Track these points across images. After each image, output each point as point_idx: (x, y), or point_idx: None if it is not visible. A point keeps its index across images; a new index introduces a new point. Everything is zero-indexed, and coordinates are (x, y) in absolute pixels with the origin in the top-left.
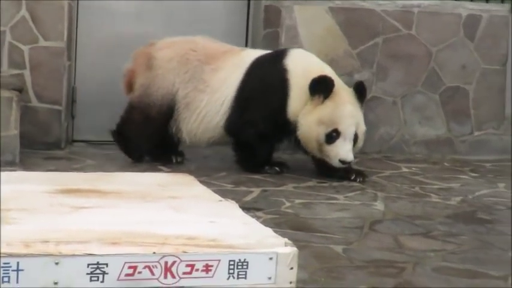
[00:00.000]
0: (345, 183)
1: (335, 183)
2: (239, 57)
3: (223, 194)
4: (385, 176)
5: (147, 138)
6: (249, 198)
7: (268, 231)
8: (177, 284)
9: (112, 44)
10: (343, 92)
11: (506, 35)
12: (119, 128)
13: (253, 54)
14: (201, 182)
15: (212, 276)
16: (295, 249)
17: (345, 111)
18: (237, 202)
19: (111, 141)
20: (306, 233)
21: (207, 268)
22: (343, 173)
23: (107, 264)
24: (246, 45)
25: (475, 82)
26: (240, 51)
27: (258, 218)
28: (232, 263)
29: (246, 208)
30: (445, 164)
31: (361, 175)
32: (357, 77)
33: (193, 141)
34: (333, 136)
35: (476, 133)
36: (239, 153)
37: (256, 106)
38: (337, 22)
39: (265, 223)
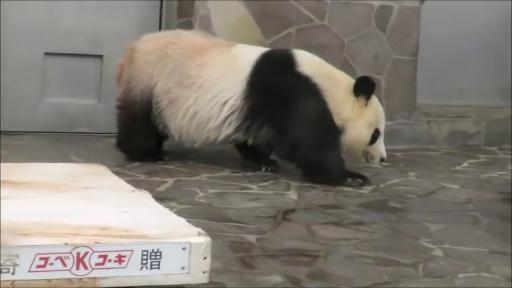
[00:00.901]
0: (258, 172)
1: (249, 173)
2: (230, 55)
3: (137, 184)
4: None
5: (138, 137)
6: (162, 188)
7: (182, 221)
8: (90, 275)
9: (27, 31)
10: None
11: (417, 26)
12: (118, 139)
13: (245, 52)
14: (114, 172)
15: (125, 267)
16: (208, 239)
17: (381, 109)
18: (150, 192)
19: (23, 132)
20: (219, 223)
21: (119, 259)
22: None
23: (17, 256)
24: None
25: (386, 72)
26: (228, 47)
27: (171, 208)
28: (145, 253)
29: (160, 198)
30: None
31: (274, 165)
32: None
33: (185, 138)
34: (375, 136)
35: (387, 123)
36: (310, 172)
37: (297, 122)
38: (251, 12)
39: (179, 213)
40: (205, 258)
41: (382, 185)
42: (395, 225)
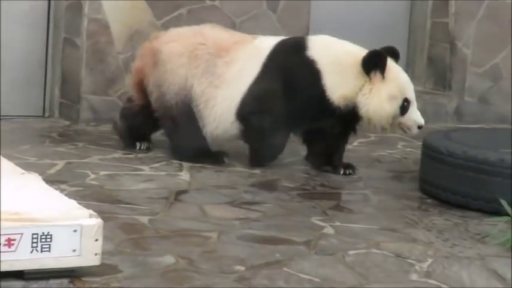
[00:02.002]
0: (151, 154)
1: (141, 155)
2: (252, 47)
3: (27, 167)
4: None
5: (187, 138)
6: (52, 171)
7: (73, 203)
8: None
9: None
10: (389, 60)
11: (308, 7)
12: (172, 147)
13: (266, 41)
14: (3, 155)
15: (15, 250)
16: (100, 220)
17: (405, 77)
18: (40, 175)
19: None
20: (111, 205)
21: (9, 242)
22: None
23: None
24: (49, 18)
25: None
26: (252, 40)
27: (62, 190)
28: (35, 236)
29: (50, 181)
30: None
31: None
32: None
33: (213, 139)
34: (405, 106)
35: None
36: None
37: (291, 104)
38: None
39: (70, 195)
40: (96, 240)
41: (275, 165)
42: (288, 204)
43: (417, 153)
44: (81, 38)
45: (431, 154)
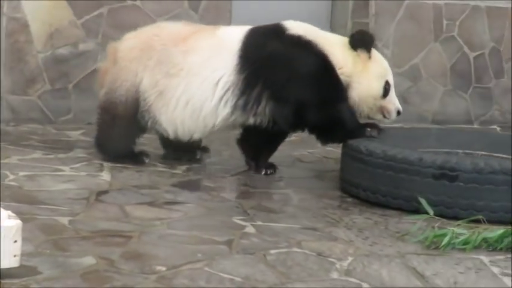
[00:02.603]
0: (71, 154)
1: (61, 155)
2: (216, 37)
3: None
4: None
5: (119, 139)
6: None
7: None
8: None
9: None
10: None
11: (229, 7)
12: (97, 137)
13: (231, 31)
14: None
15: None
16: (19, 222)
17: (385, 61)
18: None
19: None
20: (30, 206)
21: None
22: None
23: None
24: None
25: None
26: (213, 30)
27: None
28: None
29: None
30: None
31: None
32: (82, 47)
33: (181, 132)
34: (386, 89)
35: None
36: (325, 133)
37: (298, 83)
38: None
39: None
40: (15, 241)
41: (196, 165)
42: (209, 204)
43: (338, 152)
44: (0, 37)
45: (351, 153)
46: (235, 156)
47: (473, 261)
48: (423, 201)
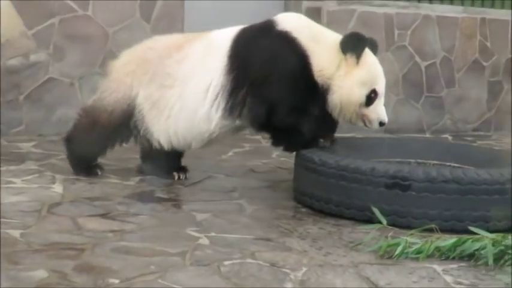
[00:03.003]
0: (22, 166)
1: (12, 167)
2: (207, 40)
3: None
4: (63, 158)
5: (90, 146)
6: None
7: None
8: None
9: None
10: (366, 48)
11: (181, 16)
12: (68, 134)
13: (223, 32)
14: None
15: None
16: None
17: (379, 69)
18: None
19: None
20: None
21: None
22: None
23: None
24: None
25: None
26: (206, 35)
27: None
28: None
29: None
30: (124, 145)
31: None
32: (33, 58)
33: (175, 141)
34: (371, 97)
35: None
36: (284, 140)
37: (274, 81)
38: (12, 2)
39: None
40: None
41: (149, 176)
42: (162, 215)
43: (291, 162)
44: None
45: (304, 164)
46: (189, 167)
47: (427, 270)
48: (376, 211)
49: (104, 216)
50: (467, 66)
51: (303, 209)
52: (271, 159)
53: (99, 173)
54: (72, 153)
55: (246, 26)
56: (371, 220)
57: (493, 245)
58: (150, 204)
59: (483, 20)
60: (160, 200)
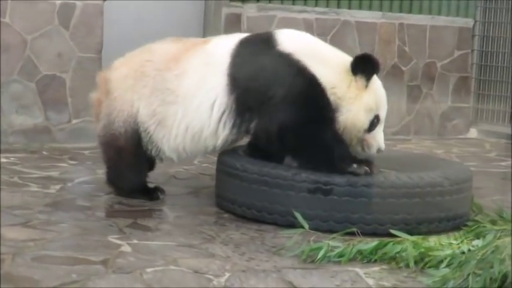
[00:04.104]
0: None
1: None
2: (206, 52)
3: None
4: None
5: (128, 172)
6: None
7: None
8: None
9: None
10: None
11: (101, 24)
12: (107, 174)
13: (221, 44)
14: None
15: None
16: None
17: (384, 94)
18: None
19: None
20: None
21: None
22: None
23: None
24: None
25: (71, 70)
26: (203, 44)
27: None
28: None
29: None
30: (44, 152)
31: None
32: None
33: (183, 157)
34: (374, 123)
35: (74, 121)
36: (307, 161)
37: (285, 103)
38: None
39: None
40: None
41: (69, 184)
42: (84, 223)
43: (213, 169)
44: None
45: (226, 170)
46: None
47: (349, 273)
48: (298, 216)
49: (24, 225)
50: (386, 71)
51: (226, 215)
52: (193, 166)
53: (161, 196)
54: (123, 190)
55: (244, 38)
56: (293, 225)
57: (414, 248)
58: (71, 213)
59: (401, 25)
60: (81, 208)
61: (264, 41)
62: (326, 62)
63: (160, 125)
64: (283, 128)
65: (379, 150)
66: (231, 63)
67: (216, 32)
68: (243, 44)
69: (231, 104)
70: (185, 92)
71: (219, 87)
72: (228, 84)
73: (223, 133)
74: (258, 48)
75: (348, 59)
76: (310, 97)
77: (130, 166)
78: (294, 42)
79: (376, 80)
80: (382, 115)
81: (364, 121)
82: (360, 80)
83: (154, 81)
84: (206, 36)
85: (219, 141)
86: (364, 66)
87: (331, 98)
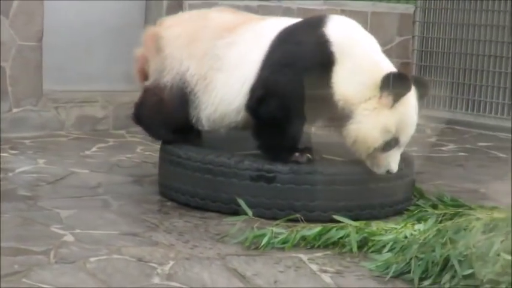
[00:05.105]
0: None
1: None
2: (258, 30)
3: None
4: None
5: (162, 122)
6: None
7: None
8: None
9: None
10: (411, 92)
11: (41, 11)
12: (136, 111)
13: (274, 24)
14: None
15: None
16: None
17: (411, 119)
18: None
19: None
20: None
21: None
22: None
23: None
24: None
25: (11, 59)
26: (259, 21)
27: None
28: None
29: None
30: None
31: None
32: None
33: (211, 126)
34: (391, 144)
35: (14, 110)
36: (262, 136)
37: (285, 73)
38: None
39: None
40: None
41: (10, 174)
42: (25, 213)
43: (157, 157)
44: None
45: (169, 158)
46: (52, 164)
47: (293, 259)
48: (242, 203)
49: None
50: None
51: (169, 203)
52: (136, 154)
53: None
54: (145, 127)
55: (295, 22)
56: (237, 212)
57: (357, 233)
58: (13, 203)
59: (343, 11)
60: (23, 198)
61: (314, 21)
62: (358, 65)
63: (205, 90)
64: (268, 93)
65: (388, 172)
66: (271, 45)
67: (159, 19)
68: (289, 28)
69: (256, 76)
70: (229, 62)
71: (253, 65)
72: (262, 61)
73: (240, 111)
74: (305, 27)
75: (385, 70)
76: (312, 87)
77: (162, 118)
78: (341, 33)
79: (408, 103)
80: (403, 140)
81: (377, 139)
82: (385, 98)
83: (206, 46)
84: (148, 20)
85: (239, 117)
86: (393, 86)
87: (342, 103)
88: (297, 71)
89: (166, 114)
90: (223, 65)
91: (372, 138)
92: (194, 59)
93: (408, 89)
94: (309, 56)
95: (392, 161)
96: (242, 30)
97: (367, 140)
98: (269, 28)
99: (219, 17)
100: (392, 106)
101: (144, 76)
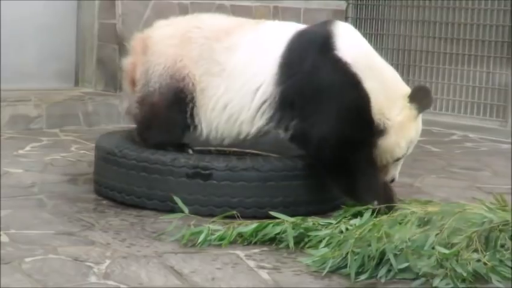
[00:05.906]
0: None
1: None
2: (260, 34)
3: None
4: None
5: (158, 128)
6: None
7: None
8: None
9: None
10: None
11: None
12: (138, 131)
13: (276, 29)
14: None
15: None
16: None
17: (420, 131)
18: None
19: None
20: None
21: None
22: None
23: None
24: None
25: None
26: (256, 25)
27: None
28: None
29: None
30: None
31: None
32: None
33: (213, 135)
34: (404, 154)
35: None
36: (336, 178)
37: (330, 116)
38: None
39: None
40: None
41: None
42: None
43: (91, 155)
44: None
45: (104, 156)
46: None
47: (230, 256)
48: (178, 200)
49: None
50: None
51: (104, 202)
52: (70, 153)
53: (191, 152)
54: (147, 141)
55: (302, 30)
56: (173, 210)
57: (293, 228)
58: None
59: (276, 8)
60: None
61: (321, 40)
62: (382, 79)
63: (202, 94)
64: (323, 140)
65: (392, 180)
66: (284, 54)
67: (91, 19)
68: (300, 36)
69: (275, 95)
70: (232, 68)
71: (267, 73)
72: (277, 74)
73: (260, 122)
74: (314, 46)
75: (397, 77)
76: (358, 115)
77: (160, 123)
78: (353, 50)
79: (420, 116)
80: (411, 149)
81: (403, 150)
82: (413, 110)
83: (201, 49)
84: (80, 20)
85: (253, 130)
86: (421, 99)
87: (379, 119)
88: (341, 106)
89: (163, 117)
90: (224, 70)
91: (399, 149)
92: (186, 58)
93: (431, 102)
94: (346, 86)
95: (397, 170)
96: (241, 33)
97: (395, 151)
98: (272, 34)
99: (210, 18)
100: (416, 118)
101: (134, 85)
